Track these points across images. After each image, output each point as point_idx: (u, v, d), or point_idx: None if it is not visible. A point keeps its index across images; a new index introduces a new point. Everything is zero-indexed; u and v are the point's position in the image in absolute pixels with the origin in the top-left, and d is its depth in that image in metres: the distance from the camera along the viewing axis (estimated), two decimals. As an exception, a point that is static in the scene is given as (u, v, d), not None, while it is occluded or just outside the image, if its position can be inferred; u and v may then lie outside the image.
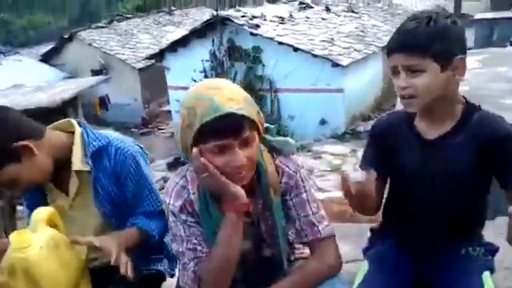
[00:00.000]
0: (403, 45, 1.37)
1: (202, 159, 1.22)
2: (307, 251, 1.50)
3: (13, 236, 1.34)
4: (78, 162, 1.59)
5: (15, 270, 1.33)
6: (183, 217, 1.35)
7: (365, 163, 1.62)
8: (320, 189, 7.89)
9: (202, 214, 1.34)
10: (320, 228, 1.41)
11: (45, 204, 1.67)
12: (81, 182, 1.62)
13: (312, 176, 8.41)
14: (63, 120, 1.68)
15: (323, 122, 11.06)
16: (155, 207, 1.69)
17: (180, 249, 1.35)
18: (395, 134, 1.52)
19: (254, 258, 1.42)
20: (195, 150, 1.23)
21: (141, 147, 1.73)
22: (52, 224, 1.45)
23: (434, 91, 1.37)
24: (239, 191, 1.27)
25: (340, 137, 10.66)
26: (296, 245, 1.54)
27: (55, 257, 1.38)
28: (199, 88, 1.26)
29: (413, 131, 1.50)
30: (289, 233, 1.49)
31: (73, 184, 1.62)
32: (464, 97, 1.47)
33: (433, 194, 1.45)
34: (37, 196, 1.68)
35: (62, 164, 1.59)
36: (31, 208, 1.71)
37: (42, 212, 1.45)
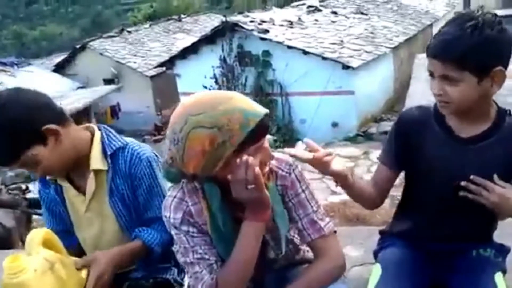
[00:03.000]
0: (440, 54, 1.32)
1: (257, 169, 1.20)
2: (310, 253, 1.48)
3: (6, 262, 1.32)
4: (96, 161, 1.61)
5: None
6: (185, 228, 1.34)
7: (384, 156, 1.61)
8: (333, 192, 7.84)
9: (215, 231, 1.33)
10: (322, 225, 1.40)
11: (65, 208, 1.70)
12: (98, 183, 1.64)
13: (325, 179, 8.38)
14: (84, 125, 1.71)
15: (334, 124, 11.02)
16: None
17: (188, 260, 1.34)
18: (423, 129, 1.49)
19: (259, 261, 1.39)
20: (250, 159, 1.20)
21: (157, 156, 1.73)
22: (48, 244, 1.44)
23: (468, 100, 1.35)
24: (270, 201, 1.28)
25: (352, 140, 10.60)
26: (301, 247, 1.53)
27: (50, 278, 1.36)
28: (212, 104, 1.21)
29: (443, 127, 1.47)
30: (293, 234, 1.48)
31: (91, 184, 1.63)
32: (494, 101, 1.45)
33: (455, 195, 1.42)
34: (56, 202, 1.71)
35: (80, 163, 1.61)
36: (51, 213, 1.76)
37: (36, 234, 1.42)
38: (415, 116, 1.53)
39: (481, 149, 1.42)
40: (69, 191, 1.68)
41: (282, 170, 1.39)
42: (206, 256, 1.33)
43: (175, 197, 1.35)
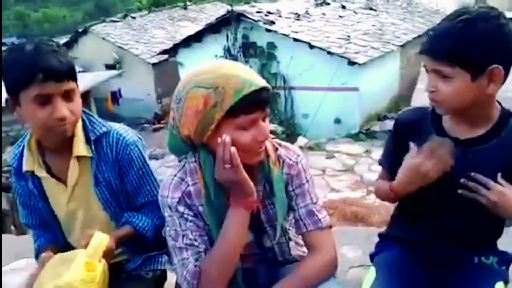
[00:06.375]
0: (431, 50, 1.27)
1: (233, 148, 1.21)
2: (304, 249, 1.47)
3: (82, 266, 1.35)
4: (80, 148, 1.52)
5: None
6: (181, 209, 1.32)
7: (384, 159, 1.58)
8: (333, 189, 7.76)
9: (207, 204, 1.31)
10: (320, 217, 1.40)
11: (45, 201, 1.59)
12: (81, 170, 1.55)
13: (325, 176, 8.29)
14: None
15: (337, 121, 10.90)
16: (156, 196, 1.58)
17: (177, 245, 1.33)
18: (419, 130, 1.43)
19: (256, 249, 1.42)
20: (227, 138, 1.22)
21: (140, 138, 1.66)
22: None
23: (462, 99, 1.27)
24: (253, 187, 1.28)
25: (354, 137, 10.50)
26: (295, 242, 1.50)
27: None
28: (215, 68, 1.25)
29: (439, 129, 1.40)
30: (289, 227, 1.45)
31: (73, 172, 1.54)
32: (498, 102, 1.36)
33: (454, 198, 1.35)
34: (33, 195, 1.61)
35: (61, 149, 1.52)
36: (27, 207, 1.67)
37: (104, 240, 1.42)
38: (411, 118, 1.49)
39: (480, 152, 1.34)
40: (48, 181, 1.57)
41: (290, 159, 1.39)
42: (196, 243, 1.32)
43: (175, 175, 1.35)
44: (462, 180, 1.34)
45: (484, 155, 1.35)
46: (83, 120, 1.55)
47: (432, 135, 1.39)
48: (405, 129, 1.48)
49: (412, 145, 1.39)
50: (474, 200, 1.34)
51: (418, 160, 1.37)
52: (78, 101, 1.48)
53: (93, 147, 1.54)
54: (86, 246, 1.41)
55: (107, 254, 1.44)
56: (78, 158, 1.53)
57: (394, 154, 1.50)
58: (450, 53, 1.24)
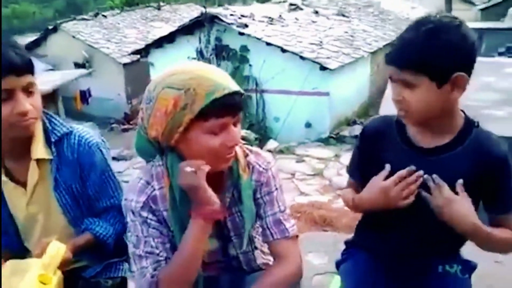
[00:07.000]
0: (396, 59, 1.28)
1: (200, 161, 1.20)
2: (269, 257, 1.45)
3: (36, 276, 1.29)
4: (39, 150, 1.47)
5: None
6: (144, 214, 1.29)
7: (351, 167, 1.56)
8: (302, 193, 7.79)
9: (172, 209, 1.29)
10: (287, 226, 1.38)
11: (4, 205, 1.53)
12: (41, 173, 1.50)
13: (294, 180, 8.31)
14: None
15: (308, 125, 10.95)
16: (119, 201, 1.56)
17: (137, 252, 1.30)
18: (384, 139, 1.43)
19: (221, 257, 1.40)
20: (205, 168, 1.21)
21: (103, 141, 1.61)
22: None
23: (428, 107, 1.28)
24: (212, 196, 1.23)
25: (324, 141, 10.57)
26: (261, 250, 1.47)
27: None
28: (189, 69, 1.22)
29: (404, 138, 1.40)
30: (255, 235, 1.43)
31: (33, 175, 1.49)
32: (463, 111, 1.37)
33: (419, 206, 1.35)
34: None
35: (20, 151, 1.47)
36: None
37: (60, 250, 1.38)
38: (377, 126, 1.48)
39: (443, 161, 1.35)
40: (7, 185, 1.51)
41: (260, 166, 1.37)
42: (157, 251, 1.29)
43: (141, 178, 1.32)
44: (425, 176, 1.34)
45: (448, 163, 1.36)
46: (43, 121, 1.50)
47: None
48: (371, 138, 1.48)
49: (387, 166, 1.39)
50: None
51: (388, 184, 1.36)
52: (38, 96, 1.44)
53: (53, 148, 1.49)
54: (40, 255, 1.36)
55: (63, 265, 1.39)
56: (38, 160, 1.48)
57: (361, 163, 1.50)
58: (415, 63, 1.24)
